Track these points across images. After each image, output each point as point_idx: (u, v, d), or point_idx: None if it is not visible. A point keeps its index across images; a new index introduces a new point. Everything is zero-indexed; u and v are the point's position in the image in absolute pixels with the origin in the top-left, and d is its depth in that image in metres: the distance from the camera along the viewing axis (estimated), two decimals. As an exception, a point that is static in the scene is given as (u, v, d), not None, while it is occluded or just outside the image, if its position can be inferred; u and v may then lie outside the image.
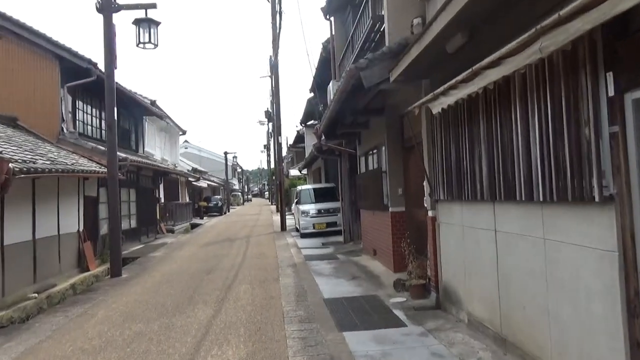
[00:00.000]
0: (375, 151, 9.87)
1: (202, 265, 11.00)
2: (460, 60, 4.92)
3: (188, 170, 34.21)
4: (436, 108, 4.87)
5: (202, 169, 45.24)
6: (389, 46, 6.34)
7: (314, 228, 15.44)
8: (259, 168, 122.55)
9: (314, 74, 16.43)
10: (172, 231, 21.84)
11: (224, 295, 7.50)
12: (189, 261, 11.87)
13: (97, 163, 12.62)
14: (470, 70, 3.87)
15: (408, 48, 5.25)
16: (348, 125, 10.39)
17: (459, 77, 4.13)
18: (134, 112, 20.12)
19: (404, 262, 8.41)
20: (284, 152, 50.60)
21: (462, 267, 5.24)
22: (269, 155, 62.62)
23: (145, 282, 9.32)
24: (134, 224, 17.07)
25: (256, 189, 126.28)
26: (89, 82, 13.84)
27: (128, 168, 14.36)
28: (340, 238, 14.46)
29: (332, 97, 11.00)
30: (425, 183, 6.44)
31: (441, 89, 4.55)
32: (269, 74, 41.63)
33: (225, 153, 48.42)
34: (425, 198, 6.49)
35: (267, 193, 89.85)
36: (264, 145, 65.28)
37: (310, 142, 25.75)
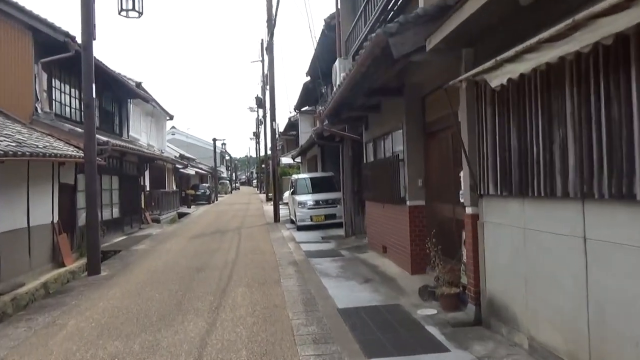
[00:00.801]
0: (388, 137, 8.80)
1: (191, 261, 9.89)
2: (531, 20, 3.85)
3: (175, 157, 32.85)
4: (499, 79, 3.80)
5: (190, 156, 43.82)
6: (425, 8, 5.24)
7: (311, 220, 14.38)
8: (247, 156, 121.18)
9: (312, 57, 15.25)
10: (158, 221, 20.62)
11: (218, 302, 6.42)
12: (176, 256, 10.75)
13: (75, 147, 11.37)
14: (570, 21, 2.80)
15: (460, 3, 4.16)
16: (357, 108, 9.29)
17: (545, 35, 3.07)
18: (117, 94, 18.78)
19: (424, 263, 7.42)
20: (270, 143, 49.40)
21: (520, 279, 4.22)
22: (258, 142, 61.30)
23: (126, 281, 8.20)
24: (116, 213, 15.85)
25: (244, 177, 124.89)
26: (66, 58, 12.51)
27: (110, 153, 13.11)
28: (340, 231, 13.42)
29: (337, 77, 9.90)
30: (462, 174, 5.39)
31: (511, 52, 3.48)
32: (260, 59, 40.40)
33: (214, 140, 47.06)
34: (461, 192, 5.45)
35: (255, 181, 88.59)
36: (254, 133, 63.91)
37: (305, 129, 24.63)
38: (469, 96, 5.14)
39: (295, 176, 16.67)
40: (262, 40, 43.74)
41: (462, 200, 5.42)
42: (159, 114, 28.16)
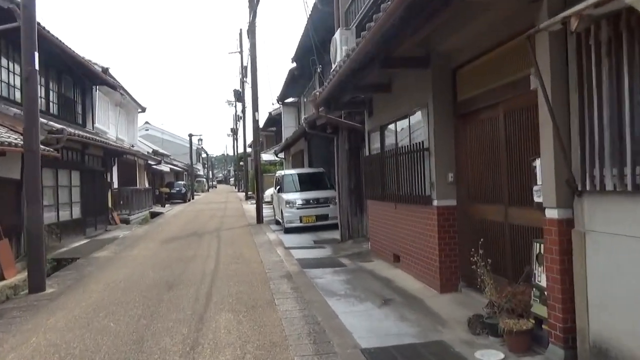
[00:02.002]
0: (403, 122, 7.25)
1: (161, 273, 8.16)
2: None
3: (148, 153, 30.74)
4: None
5: (165, 152, 41.58)
6: None
7: (301, 222, 12.74)
8: (224, 154, 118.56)
9: (301, 35, 13.61)
10: (127, 222, 18.66)
11: (194, 338, 4.75)
12: (144, 266, 8.98)
13: (22, 134, 9.47)
14: None
15: None
16: (362, 88, 7.73)
17: None
18: (80, 79, 16.78)
19: (455, 278, 5.89)
20: (252, 137, 47.44)
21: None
22: (236, 139, 59.33)
23: (76, 302, 6.43)
24: (77, 213, 13.90)
25: (220, 175, 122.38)
26: (13, 30, 10.54)
27: (65, 143, 11.21)
28: (334, 234, 11.84)
29: (338, 52, 8.30)
30: (538, 162, 3.87)
31: None
32: (239, 50, 38.52)
33: (190, 135, 44.90)
34: (536, 187, 3.92)
35: (232, 179, 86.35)
36: (231, 129, 61.89)
37: (289, 123, 23.00)
38: (557, 51, 3.60)
39: (281, 172, 15.00)
40: (241, 30, 41.86)
41: (538, 200, 3.89)
42: (129, 105, 26.10)
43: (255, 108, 16.72)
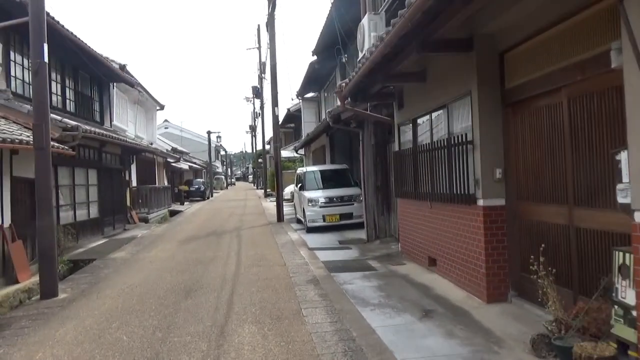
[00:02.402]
0: (440, 113, 6.61)
1: (178, 277, 7.68)
2: None
3: (167, 151, 30.56)
4: None
5: (184, 150, 41.50)
6: None
7: (324, 221, 12.17)
8: (242, 151, 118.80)
9: (324, 25, 13.01)
10: (146, 220, 18.39)
11: (214, 357, 4.22)
12: (161, 268, 8.53)
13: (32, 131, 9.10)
14: None
15: None
16: (394, 77, 7.10)
17: None
18: (97, 77, 16.46)
19: (504, 287, 5.26)
20: (270, 133, 46.96)
21: None
22: (254, 136, 59.13)
23: (89, 310, 5.99)
24: (94, 213, 13.59)
25: (239, 172, 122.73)
26: (24, 25, 10.19)
27: (81, 141, 10.86)
28: (359, 234, 11.25)
29: (366, 39, 7.69)
30: (623, 156, 3.22)
31: None
32: (257, 45, 38.11)
33: (209, 132, 44.81)
34: (620, 187, 3.27)
35: (251, 177, 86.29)
36: (250, 126, 61.73)
37: (308, 118, 22.44)
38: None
39: (303, 169, 14.43)
40: (259, 26, 41.47)
41: (624, 201, 3.23)
42: (148, 103, 25.87)
43: (274, 103, 16.19)
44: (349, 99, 8.61)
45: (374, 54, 5.90)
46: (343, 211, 12.21)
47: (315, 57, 16.27)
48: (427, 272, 7.03)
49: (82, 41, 13.05)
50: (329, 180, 13.28)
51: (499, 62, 5.36)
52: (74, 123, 10.43)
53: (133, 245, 11.93)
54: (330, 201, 12.33)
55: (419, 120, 7.53)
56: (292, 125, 39.08)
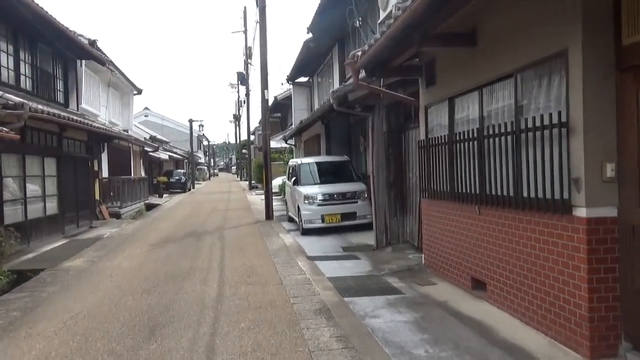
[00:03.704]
0: (499, 87, 4.86)
1: (142, 302, 5.85)
2: None
3: (145, 139, 28.39)
4: None
5: (163, 139, 39.24)
6: None
7: (323, 221, 10.40)
8: (225, 142, 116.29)
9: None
10: (117, 215, 16.41)
11: None
12: (121, 287, 6.68)
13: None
14: None
15: None
16: (436, 38, 5.35)
17: None
18: (62, 52, 14.36)
19: (616, 336, 3.57)
20: (256, 122, 44.80)
21: None
22: (238, 125, 56.90)
23: (5, 361, 4.15)
24: (52, 209, 11.62)
25: (222, 163, 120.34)
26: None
27: (33, 124, 8.90)
28: (365, 238, 9.55)
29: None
30: None
31: None
32: (243, 29, 35.98)
33: (190, 121, 42.51)
34: None
35: (234, 168, 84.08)
36: (234, 115, 59.48)
37: (299, 105, 20.62)
38: None
39: (296, 160, 12.59)
40: (245, 8, 39.27)
41: None
42: (124, 87, 23.68)
43: (264, 85, 14.31)
44: (364, 72, 6.83)
45: (416, 2, 4.11)
46: (345, 210, 10.46)
47: (310, 35, 14.42)
48: (471, 299, 5.33)
49: (40, 7, 10.99)
50: (328, 173, 11.51)
51: (612, 7, 3.64)
52: (18, 100, 8.45)
53: (95, 249, 10.01)
54: (330, 198, 10.56)
55: (459, 100, 5.79)
56: (279, 114, 37.19)
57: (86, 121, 13.65)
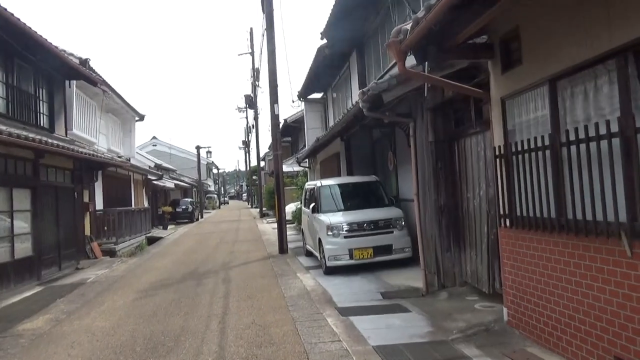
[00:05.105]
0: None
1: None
2: None
3: (150, 167, 26.74)
4: None
5: (170, 167, 37.69)
6: None
7: (351, 257, 8.34)
8: (236, 169, 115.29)
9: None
10: (112, 253, 14.48)
11: None
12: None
13: None
14: None
15: None
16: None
17: None
18: (46, 71, 12.72)
19: None
20: (265, 147, 43.08)
21: None
22: (248, 152, 55.38)
23: None
24: (24, 250, 9.74)
25: (232, 190, 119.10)
26: None
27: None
28: (406, 277, 7.51)
29: None
30: None
31: None
32: (249, 50, 34.69)
33: (198, 147, 41.02)
34: None
35: (245, 195, 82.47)
36: (243, 141, 58.07)
37: (312, 124, 18.81)
38: None
39: (314, 183, 10.57)
40: (251, 29, 38.15)
41: None
42: (125, 114, 22.18)
43: (273, 99, 12.49)
44: (412, 54, 4.91)
45: None
46: (378, 242, 8.40)
47: (325, 41, 12.65)
48: (627, 397, 3.23)
49: (10, 13, 9.38)
50: (354, 197, 9.48)
51: None
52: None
53: (69, 301, 8.03)
54: (359, 228, 8.52)
55: (571, 80, 3.82)
56: (289, 138, 35.52)
57: (71, 147, 11.87)
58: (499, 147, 4.85)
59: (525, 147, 4.41)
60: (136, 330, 5.84)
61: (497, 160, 4.92)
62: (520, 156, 4.53)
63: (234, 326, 5.72)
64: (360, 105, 6.97)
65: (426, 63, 5.46)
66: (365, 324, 5.45)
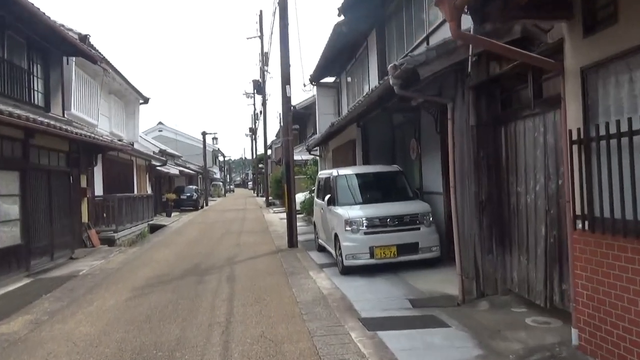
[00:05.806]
0: None
1: None
2: None
3: (154, 153, 25.86)
4: None
5: (175, 153, 36.79)
6: None
7: (372, 256, 7.40)
8: (241, 157, 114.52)
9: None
10: (111, 241, 13.61)
11: None
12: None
13: None
14: None
15: None
16: None
17: None
18: (41, 45, 11.77)
19: None
20: (272, 135, 42.06)
21: None
22: (254, 139, 54.48)
23: None
24: (11, 238, 8.88)
25: (238, 178, 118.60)
26: None
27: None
28: (436, 280, 6.58)
29: None
30: None
31: None
32: (258, 34, 33.61)
33: (204, 133, 40.14)
34: None
35: (251, 183, 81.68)
36: (250, 129, 57.15)
37: (325, 110, 17.80)
38: None
39: (330, 172, 9.57)
40: (261, 12, 37.00)
41: None
42: (128, 95, 21.23)
43: (285, 80, 11.51)
44: (468, 12, 3.92)
45: None
46: (403, 240, 7.44)
47: (342, 18, 11.60)
48: None
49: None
50: (374, 189, 8.52)
51: None
52: None
53: (55, 298, 7.17)
54: (381, 224, 7.56)
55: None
56: (297, 126, 34.45)
57: (66, 127, 10.96)
58: (577, 130, 3.87)
59: (615, 130, 3.43)
60: (125, 341, 4.95)
61: (572, 147, 3.94)
62: (606, 142, 3.56)
63: (239, 339, 4.81)
64: (390, 82, 5.96)
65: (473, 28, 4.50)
66: (397, 342, 4.53)
